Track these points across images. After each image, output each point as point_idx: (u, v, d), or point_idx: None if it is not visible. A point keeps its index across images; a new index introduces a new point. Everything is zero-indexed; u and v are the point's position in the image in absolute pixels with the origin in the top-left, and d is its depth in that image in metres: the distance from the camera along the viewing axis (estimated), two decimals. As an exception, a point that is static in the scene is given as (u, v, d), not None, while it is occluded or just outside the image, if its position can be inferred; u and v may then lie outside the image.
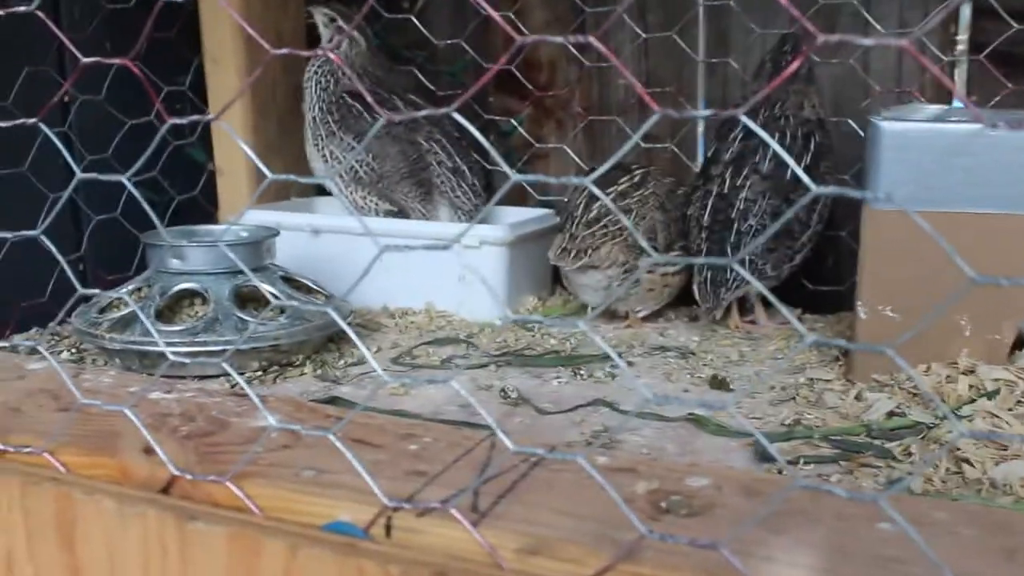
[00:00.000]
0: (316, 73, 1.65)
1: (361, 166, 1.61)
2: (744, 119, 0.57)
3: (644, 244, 0.69)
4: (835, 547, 0.69)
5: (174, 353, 1.15)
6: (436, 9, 1.95)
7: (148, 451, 0.82)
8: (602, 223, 1.42)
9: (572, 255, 1.41)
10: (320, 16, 1.65)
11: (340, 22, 1.63)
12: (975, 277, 0.58)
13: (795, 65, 0.61)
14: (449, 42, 1.86)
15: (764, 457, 0.98)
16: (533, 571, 0.69)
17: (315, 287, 1.37)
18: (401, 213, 1.63)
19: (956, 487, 0.91)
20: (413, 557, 0.70)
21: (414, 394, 1.18)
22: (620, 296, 1.44)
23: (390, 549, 0.72)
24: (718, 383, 1.21)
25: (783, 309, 0.62)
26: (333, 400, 1.12)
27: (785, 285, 1.47)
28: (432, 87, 1.88)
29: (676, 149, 1.75)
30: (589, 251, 1.41)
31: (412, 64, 1.88)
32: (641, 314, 1.48)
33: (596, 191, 0.66)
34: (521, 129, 1.88)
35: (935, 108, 1.35)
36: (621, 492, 0.77)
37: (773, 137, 1.41)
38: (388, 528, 0.74)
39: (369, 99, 0.80)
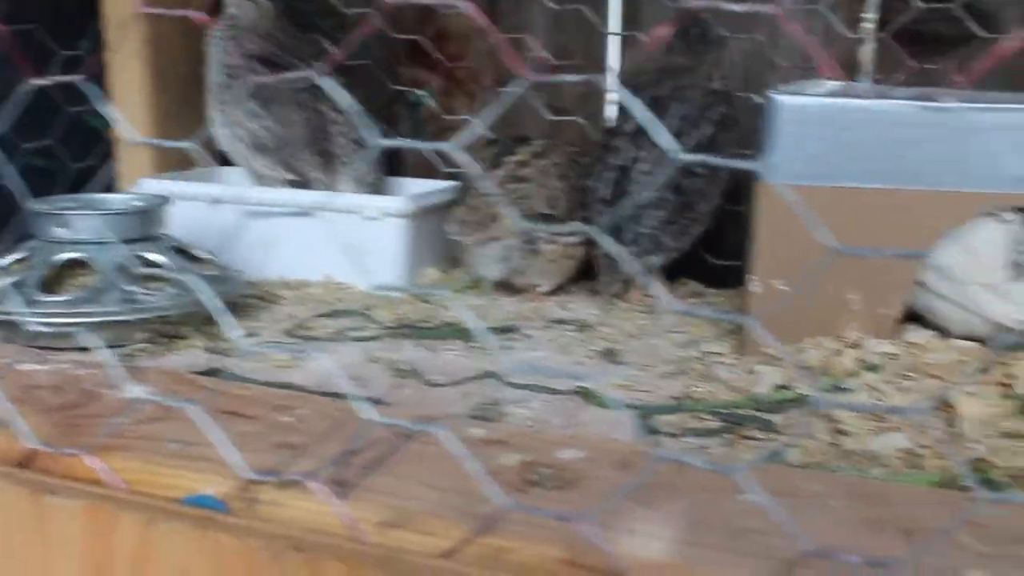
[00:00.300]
0: (220, 37, 1.61)
1: (264, 132, 1.58)
2: (629, 99, 0.56)
3: (514, 215, 0.69)
4: (698, 519, 0.69)
5: (48, 325, 1.13)
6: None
7: (5, 424, 0.80)
8: (500, 192, 1.40)
9: (471, 227, 1.40)
10: None
11: None
12: (839, 248, 0.58)
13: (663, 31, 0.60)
14: (359, 11, 1.83)
15: (648, 430, 0.98)
16: (393, 544, 0.68)
17: (209, 258, 1.35)
18: (303, 183, 1.60)
19: (835, 459, 0.91)
20: (272, 531, 0.69)
21: (302, 366, 1.16)
22: (519, 268, 1.43)
23: (250, 523, 0.71)
24: (613, 355, 1.20)
25: (653, 283, 0.61)
26: (214, 372, 1.10)
27: (687, 259, 1.48)
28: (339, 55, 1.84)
29: (584, 121, 1.74)
30: (488, 222, 1.39)
31: (321, 31, 1.85)
32: (542, 289, 1.47)
33: (466, 158, 0.65)
34: (429, 101, 1.86)
35: (834, 84, 1.35)
36: (491, 464, 0.77)
37: (677, 108, 1.41)
38: (249, 501, 0.73)
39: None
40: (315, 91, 1.59)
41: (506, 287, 1.48)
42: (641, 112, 0.69)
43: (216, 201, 1.53)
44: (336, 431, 0.82)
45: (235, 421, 0.84)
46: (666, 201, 1.38)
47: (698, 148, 1.39)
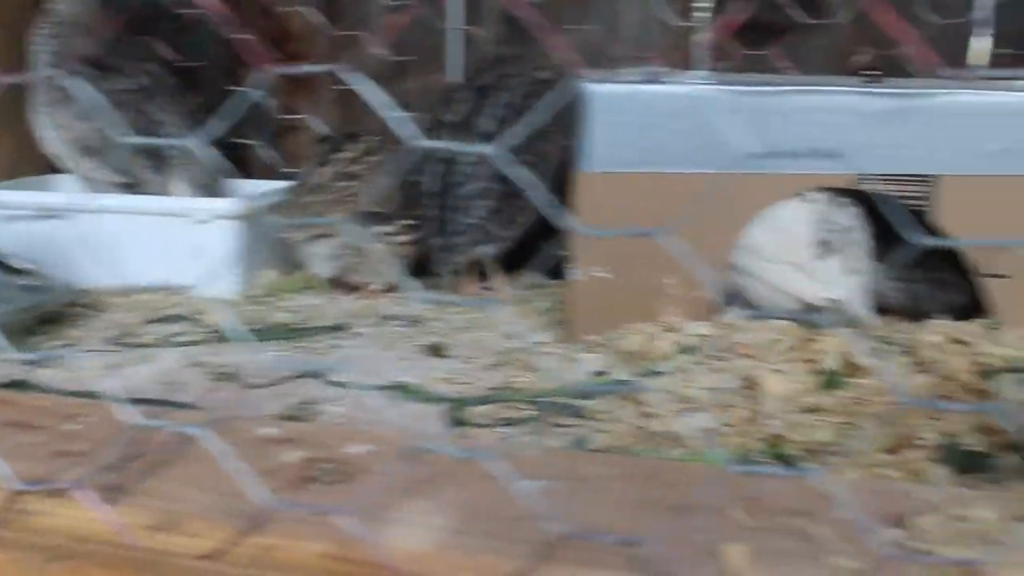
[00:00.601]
0: (45, 36, 1.57)
1: (92, 134, 1.54)
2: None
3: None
4: (473, 507, 0.69)
5: None
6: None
7: None
8: (330, 191, 1.39)
9: (299, 226, 1.38)
10: None
11: None
12: (582, 229, 0.58)
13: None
14: (196, 11, 1.80)
15: (457, 422, 0.98)
16: (162, 547, 0.67)
17: (30, 268, 1.31)
18: (136, 186, 1.56)
19: (640, 441, 0.92)
20: (39, 541, 0.67)
21: (118, 373, 1.13)
22: (351, 266, 1.42)
23: (19, 535, 0.69)
24: (436, 350, 1.20)
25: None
26: (16, 384, 1.07)
27: (524, 250, 1.48)
28: (178, 56, 1.82)
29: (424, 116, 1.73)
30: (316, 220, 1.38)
31: (158, 33, 1.82)
32: (375, 286, 1.46)
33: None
34: (267, 102, 1.84)
35: (650, 71, 1.37)
36: (273, 463, 0.76)
37: (501, 97, 1.41)
38: (19, 513, 0.70)
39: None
40: (142, 92, 1.55)
41: (344, 285, 1.47)
42: (375, 96, 0.68)
43: (44, 210, 1.49)
44: (120, 437, 0.80)
45: (18, 432, 0.82)
46: (491, 191, 1.38)
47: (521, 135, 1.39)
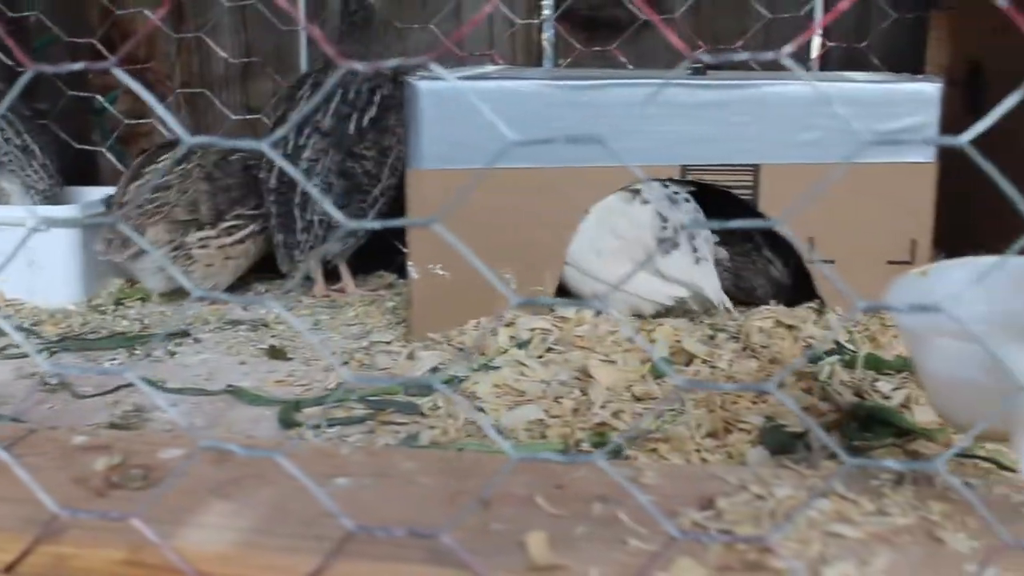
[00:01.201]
0: None
1: None
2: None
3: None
4: (279, 507, 0.68)
5: None
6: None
7: None
8: (140, 205, 1.37)
9: (116, 244, 1.36)
10: None
11: None
12: (346, 222, 0.58)
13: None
14: (32, 14, 1.76)
15: (286, 424, 0.97)
16: (-46, 564, 0.65)
17: None
18: None
19: (468, 435, 0.92)
20: None
21: (-58, 388, 1.10)
22: (179, 275, 1.40)
23: None
24: (276, 353, 1.19)
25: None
26: None
27: (379, 251, 1.47)
28: (11, 63, 1.77)
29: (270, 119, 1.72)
30: (130, 239, 1.36)
31: (-9, 39, 1.77)
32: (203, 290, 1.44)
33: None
34: (111, 107, 1.80)
35: (482, 68, 1.38)
36: (81, 471, 0.74)
37: (337, 92, 1.41)
38: None
39: None
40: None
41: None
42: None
43: None
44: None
45: None
46: (332, 187, 1.38)
47: (362, 129, 1.39)
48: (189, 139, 0.58)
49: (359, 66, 0.58)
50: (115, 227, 1.36)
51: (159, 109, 0.61)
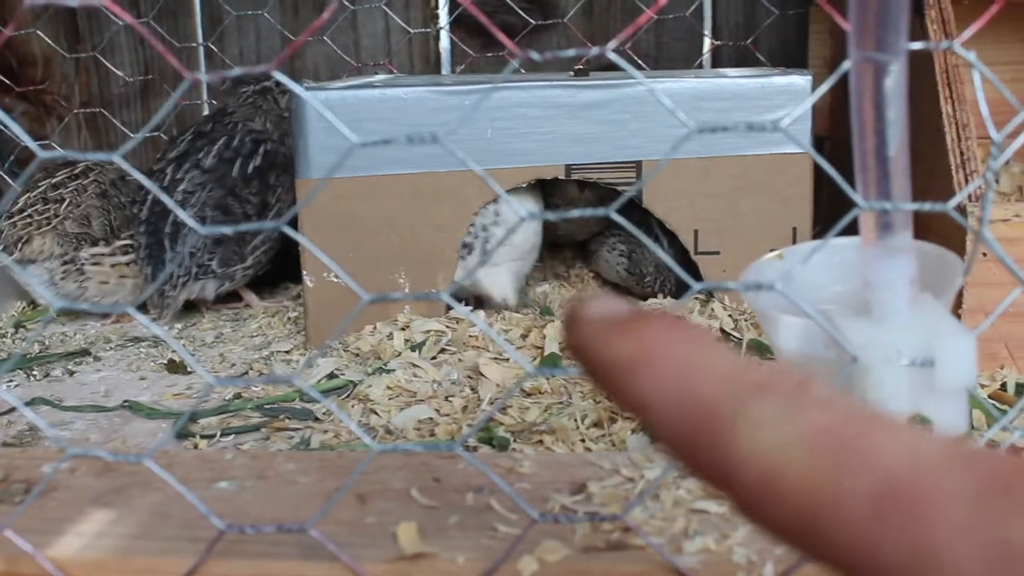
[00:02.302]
0: None
1: None
2: None
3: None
4: (160, 512, 0.70)
5: None
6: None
7: None
8: (27, 213, 1.37)
9: (5, 250, 1.36)
10: None
11: None
12: (200, 228, 0.60)
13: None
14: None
15: (181, 435, 0.98)
16: None
17: None
18: None
19: (358, 438, 0.94)
20: None
21: None
22: (70, 291, 1.40)
23: None
24: (175, 367, 1.20)
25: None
26: None
27: (286, 264, 1.48)
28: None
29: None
30: (20, 244, 1.36)
31: None
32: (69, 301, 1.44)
33: None
34: (9, 130, 1.80)
35: (368, 78, 1.40)
36: (-38, 488, 0.75)
37: (219, 140, 1.41)
38: None
39: None
40: None
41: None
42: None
43: None
44: None
45: None
46: (208, 219, 1.36)
47: (246, 175, 1.39)
48: (42, 153, 0.59)
49: (204, 76, 0.60)
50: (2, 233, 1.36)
51: (10, 123, 0.62)
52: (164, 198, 0.59)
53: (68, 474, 0.77)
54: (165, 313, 1.36)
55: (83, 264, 1.39)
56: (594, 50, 0.58)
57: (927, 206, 0.58)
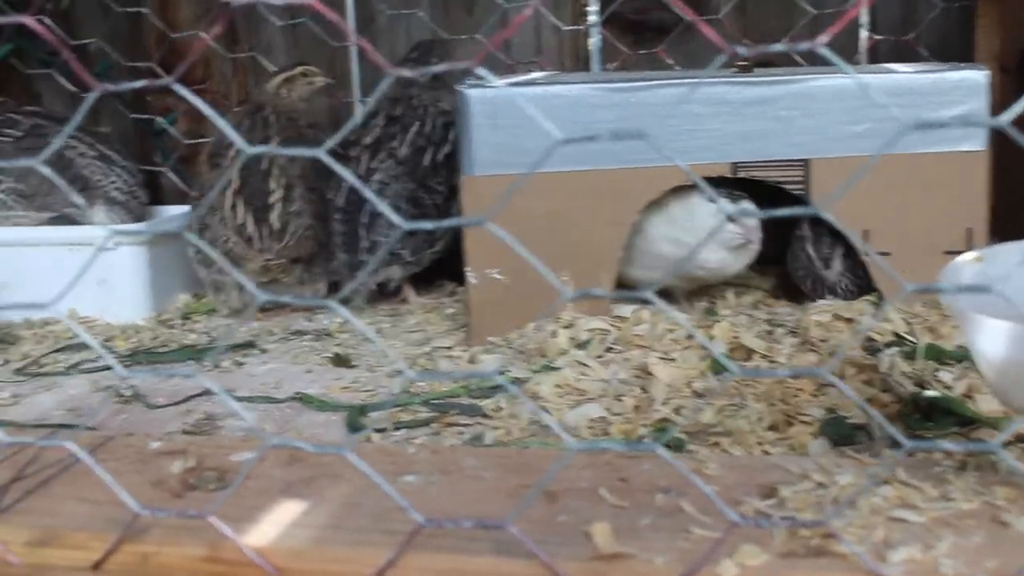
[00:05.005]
0: None
1: (7, 195, 1.54)
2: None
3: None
4: (351, 504, 0.71)
5: None
6: (85, 8, 1.89)
7: None
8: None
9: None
10: None
11: None
12: (402, 224, 0.60)
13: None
14: (92, 41, 1.81)
15: (355, 428, 0.99)
16: (43, 562, 0.68)
17: (-68, 303, 1.31)
18: (65, 218, 1.56)
19: (532, 434, 0.94)
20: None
21: (25, 402, 1.14)
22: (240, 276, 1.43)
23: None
24: (340, 361, 1.21)
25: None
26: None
27: (442, 262, 1.49)
28: (74, 88, 1.82)
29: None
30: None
31: (51, 68, 1.82)
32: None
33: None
34: (171, 128, 1.84)
35: (531, 75, 1.39)
36: (158, 474, 0.77)
37: (411, 126, 1.44)
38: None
39: None
40: (40, 130, 1.56)
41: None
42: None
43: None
44: (7, 460, 0.81)
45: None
46: (401, 211, 1.39)
47: (436, 164, 1.42)
48: (248, 148, 0.60)
49: (407, 72, 0.60)
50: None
51: (220, 122, 0.63)
52: (374, 199, 0.59)
53: (252, 459, 0.78)
54: (356, 298, 1.41)
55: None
56: (803, 45, 0.56)
57: None
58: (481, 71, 0.60)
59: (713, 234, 1.01)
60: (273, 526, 0.67)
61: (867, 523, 0.65)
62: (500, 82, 1.22)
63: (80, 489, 0.74)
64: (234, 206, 1.41)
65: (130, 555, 0.66)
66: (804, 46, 0.55)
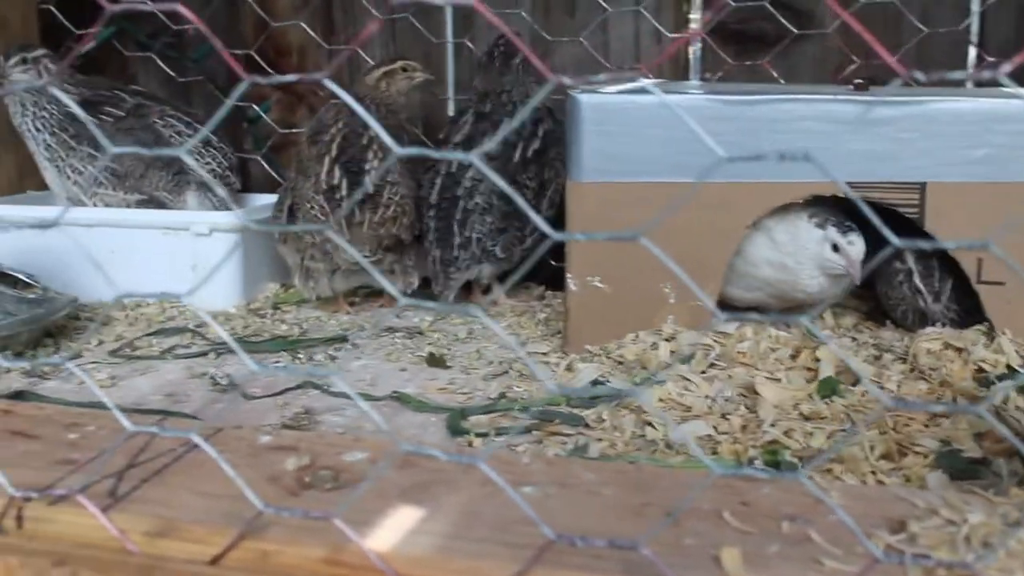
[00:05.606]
0: (31, 106, 1.56)
1: (102, 173, 1.55)
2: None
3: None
4: (470, 512, 0.69)
5: None
6: (184, -6, 1.90)
7: None
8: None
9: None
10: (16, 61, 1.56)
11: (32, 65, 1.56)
12: (553, 234, 0.59)
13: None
14: (190, 26, 1.81)
15: (455, 431, 0.98)
16: (161, 553, 0.67)
17: (30, 281, 1.32)
18: (153, 202, 1.57)
19: (637, 449, 0.93)
20: (36, 547, 0.68)
21: (122, 385, 1.14)
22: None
23: (16, 540, 0.69)
24: (435, 361, 1.20)
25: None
26: (18, 395, 1.08)
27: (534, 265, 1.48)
28: (173, 74, 1.83)
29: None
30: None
31: (152, 52, 1.84)
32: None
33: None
34: (265, 116, 1.85)
35: (642, 82, 1.38)
36: (272, 469, 0.76)
37: (501, 123, 1.43)
38: (17, 519, 0.71)
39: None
40: (140, 111, 1.57)
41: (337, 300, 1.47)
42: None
43: (44, 224, 1.50)
44: (122, 446, 0.80)
45: (18, 441, 0.83)
46: (493, 207, 1.40)
47: (526, 159, 1.42)
48: (398, 150, 0.59)
49: (567, 80, 0.59)
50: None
51: (372, 123, 0.62)
52: (520, 202, 0.58)
53: (368, 465, 0.77)
54: (446, 294, 1.40)
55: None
56: (986, 72, 0.54)
57: None
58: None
59: (816, 261, 0.99)
60: (393, 531, 0.66)
61: (1004, 567, 0.63)
62: (612, 88, 1.21)
63: (195, 481, 0.74)
64: (330, 172, 1.42)
65: (249, 552, 0.65)
66: (987, 75, 0.53)
